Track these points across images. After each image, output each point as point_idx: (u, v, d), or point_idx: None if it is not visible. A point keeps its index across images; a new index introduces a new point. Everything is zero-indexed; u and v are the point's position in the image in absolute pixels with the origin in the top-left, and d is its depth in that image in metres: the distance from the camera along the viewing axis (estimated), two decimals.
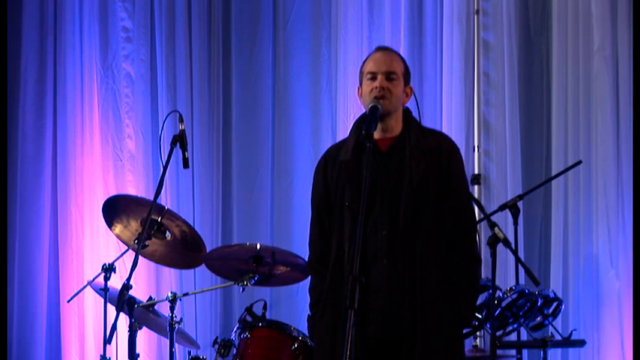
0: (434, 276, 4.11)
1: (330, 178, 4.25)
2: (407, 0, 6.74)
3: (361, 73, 4.30)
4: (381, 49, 4.35)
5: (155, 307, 5.59)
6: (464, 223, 4.21)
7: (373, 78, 4.22)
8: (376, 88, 4.18)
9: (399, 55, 4.35)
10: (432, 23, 6.72)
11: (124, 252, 5.84)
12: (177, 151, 4.94)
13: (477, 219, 5.87)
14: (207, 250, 5.56)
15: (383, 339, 4.12)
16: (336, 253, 4.17)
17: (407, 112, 4.34)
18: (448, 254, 4.15)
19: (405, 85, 4.28)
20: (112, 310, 5.56)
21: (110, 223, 5.57)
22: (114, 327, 4.66)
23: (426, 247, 4.11)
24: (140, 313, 5.43)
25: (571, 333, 5.62)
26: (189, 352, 5.53)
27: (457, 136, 6.50)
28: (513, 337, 5.61)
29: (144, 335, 6.55)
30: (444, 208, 4.17)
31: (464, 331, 4.32)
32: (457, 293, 4.13)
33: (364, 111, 4.28)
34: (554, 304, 5.48)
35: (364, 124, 4.11)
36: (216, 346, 5.29)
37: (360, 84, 4.29)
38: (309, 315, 4.33)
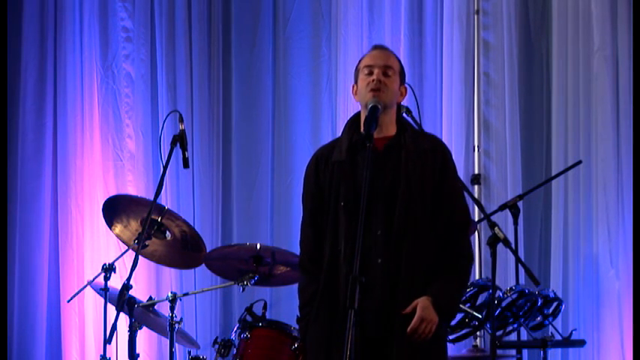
0: (427, 275, 4.11)
1: (323, 179, 4.24)
2: (407, 0, 6.74)
3: (357, 70, 4.29)
4: (377, 47, 4.36)
5: (155, 307, 5.59)
6: (458, 223, 4.21)
7: (370, 73, 4.21)
8: (373, 81, 4.18)
9: (395, 54, 4.36)
10: (432, 23, 6.72)
11: (124, 252, 5.84)
12: (177, 151, 4.94)
13: (477, 219, 5.90)
14: (207, 250, 5.56)
15: (376, 338, 4.12)
16: (330, 254, 4.16)
17: (407, 112, 4.34)
18: (441, 252, 4.15)
19: (401, 84, 4.28)
20: (112, 310, 5.56)
21: (110, 223, 5.57)
22: (114, 327, 4.66)
23: (420, 247, 4.11)
24: (140, 313, 5.43)
25: (571, 333, 5.62)
26: (189, 352, 5.53)
27: (457, 136, 6.51)
28: (513, 337, 5.61)
29: (144, 335, 6.55)
30: (438, 208, 4.17)
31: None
32: (438, 283, 4.09)
33: (359, 110, 4.28)
34: (554, 304, 5.48)
35: (364, 123, 4.11)
36: (216, 346, 5.29)
37: (356, 81, 4.28)
38: (298, 316, 4.31)
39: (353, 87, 4.30)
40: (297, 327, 4.95)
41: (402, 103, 4.41)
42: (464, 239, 4.23)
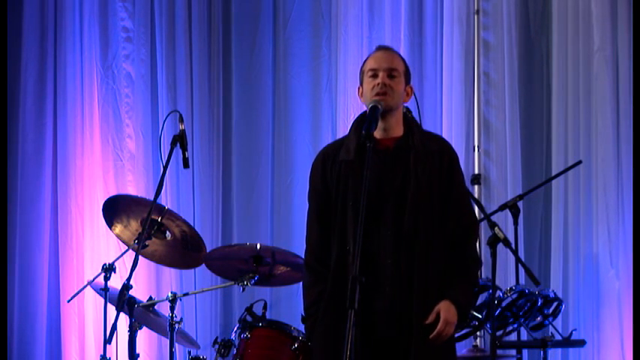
0: (436, 276, 4.11)
1: (330, 177, 4.24)
2: (407, 0, 6.74)
3: (362, 72, 4.30)
4: (382, 48, 4.36)
5: (155, 307, 5.59)
6: (465, 226, 4.21)
7: (374, 75, 4.22)
8: (378, 85, 4.18)
9: (400, 54, 4.36)
10: (432, 23, 6.72)
11: (124, 252, 5.84)
12: (178, 151, 4.94)
13: (477, 219, 5.90)
14: (207, 250, 5.56)
15: (387, 339, 4.12)
16: (338, 253, 4.16)
17: (407, 112, 4.34)
18: (449, 255, 4.15)
19: (406, 84, 4.28)
20: (112, 310, 5.56)
21: (110, 223, 5.57)
22: (114, 327, 4.66)
23: (429, 248, 4.11)
24: (140, 313, 5.43)
25: (571, 333, 5.63)
26: (189, 352, 5.53)
27: (457, 136, 6.52)
28: (513, 337, 5.61)
29: (144, 335, 6.55)
30: (446, 210, 4.17)
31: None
32: (454, 285, 4.12)
33: (364, 110, 4.29)
34: (554, 304, 5.48)
35: (364, 124, 4.11)
36: (216, 346, 5.29)
37: (361, 83, 4.29)
38: (302, 316, 4.30)
39: (358, 89, 4.31)
40: (297, 327, 4.97)
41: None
42: (472, 243, 4.25)
